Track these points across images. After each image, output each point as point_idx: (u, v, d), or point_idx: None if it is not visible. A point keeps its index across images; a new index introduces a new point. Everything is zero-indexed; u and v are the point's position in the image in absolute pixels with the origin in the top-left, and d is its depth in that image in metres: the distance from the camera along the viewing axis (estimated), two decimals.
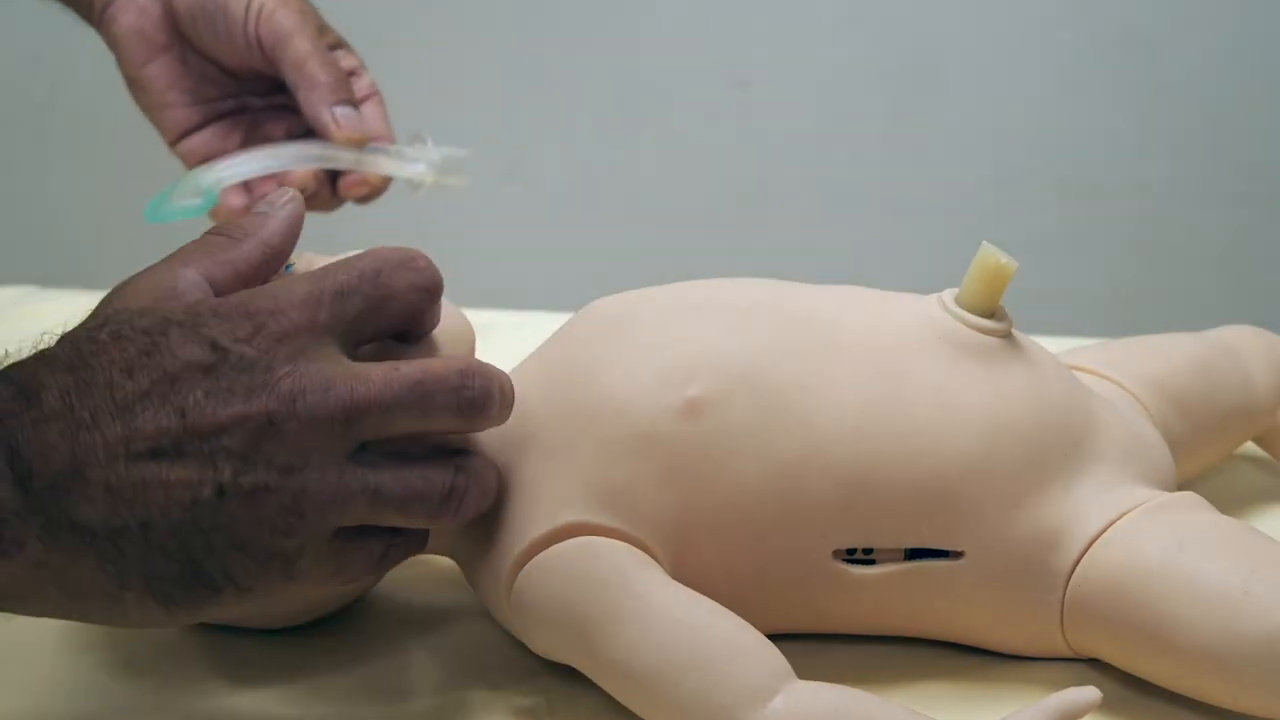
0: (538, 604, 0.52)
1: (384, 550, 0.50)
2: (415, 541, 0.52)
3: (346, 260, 0.50)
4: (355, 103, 0.79)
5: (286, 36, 0.79)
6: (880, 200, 1.84)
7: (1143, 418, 0.62)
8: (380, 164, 0.79)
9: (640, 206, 1.84)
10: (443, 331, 0.54)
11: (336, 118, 0.78)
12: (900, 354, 0.56)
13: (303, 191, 0.69)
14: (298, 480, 0.47)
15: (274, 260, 0.53)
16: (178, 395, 0.46)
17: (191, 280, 0.50)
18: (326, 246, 0.57)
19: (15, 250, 1.83)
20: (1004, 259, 0.56)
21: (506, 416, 0.51)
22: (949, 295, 0.58)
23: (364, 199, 0.81)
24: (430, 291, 0.51)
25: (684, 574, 0.53)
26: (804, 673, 0.50)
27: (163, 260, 0.52)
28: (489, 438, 0.55)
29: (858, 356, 0.55)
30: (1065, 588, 0.55)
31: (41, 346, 0.48)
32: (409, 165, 0.79)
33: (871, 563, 0.55)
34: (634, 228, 1.83)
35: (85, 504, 0.45)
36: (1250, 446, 0.74)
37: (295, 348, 0.47)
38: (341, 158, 0.78)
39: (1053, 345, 0.64)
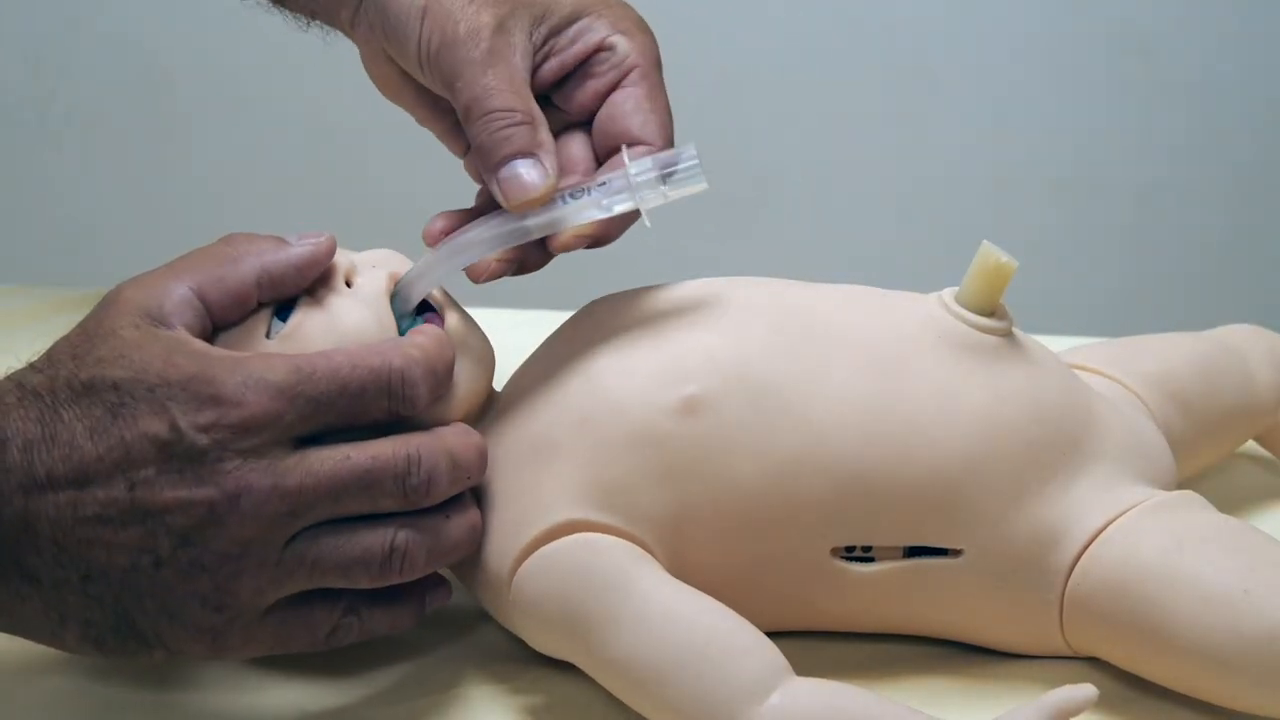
0: (537, 601, 0.53)
1: (331, 626, 0.52)
2: (375, 623, 0.53)
3: (335, 366, 0.50)
4: (534, 149, 0.56)
5: (453, 73, 0.58)
6: (880, 200, 1.84)
7: (1144, 416, 0.62)
8: (579, 214, 0.56)
9: None
10: (461, 368, 0.55)
11: (501, 186, 0.56)
12: (900, 352, 0.56)
13: (507, 268, 0.58)
14: (233, 566, 0.48)
15: (269, 289, 0.53)
16: (130, 467, 0.48)
17: (181, 298, 0.51)
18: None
19: (15, 250, 1.83)
20: (1004, 258, 0.56)
21: (468, 482, 0.53)
22: (949, 294, 0.58)
23: (590, 247, 0.59)
24: (401, 416, 0.52)
25: (683, 571, 0.53)
26: (803, 670, 0.50)
27: (163, 267, 0.53)
28: (489, 438, 0.55)
29: (857, 355, 0.55)
30: (1064, 586, 0.55)
31: (33, 360, 0.50)
32: (618, 200, 0.56)
33: (870, 560, 0.55)
34: (633, 227, 1.83)
35: (33, 555, 0.48)
36: (1251, 445, 0.74)
37: (249, 444, 0.48)
38: (530, 226, 0.56)
39: (1053, 344, 0.64)
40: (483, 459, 0.53)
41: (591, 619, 0.51)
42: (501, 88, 0.57)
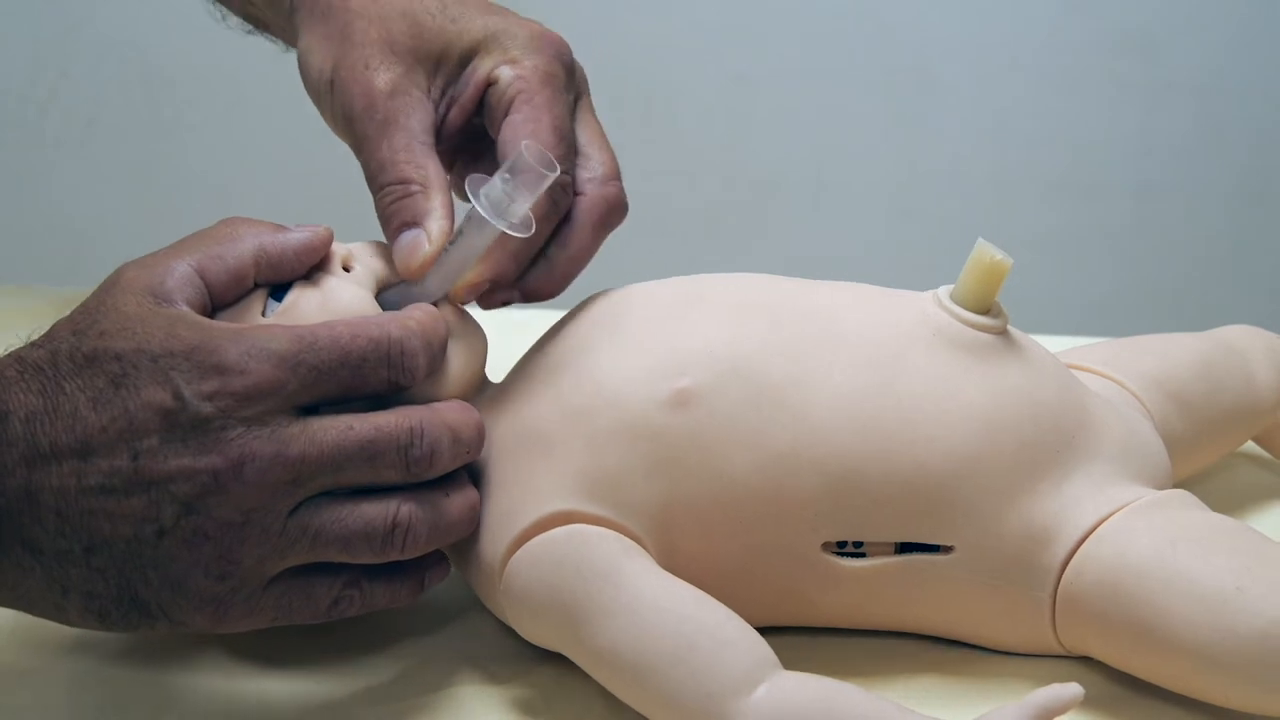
0: (527, 591, 0.53)
1: (332, 598, 0.52)
2: (375, 596, 0.53)
3: (337, 335, 0.51)
4: (419, 219, 0.57)
5: (357, 147, 0.60)
6: (879, 199, 1.85)
7: (1141, 416, 0.62)
8: (459, 260, 0.56)
9: (640, 206, 1.84)
10: (453, 362, 0.55)
11: (395, 258, 0.57)
12: (894, 349, 0.56)
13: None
14: (236, 534, 0.49)
15: (266, 269, 0.54)
16: (134, 436, 0.48)
17: (182, 274, 0.52)
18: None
19: (15, 250, 1.83)
20: (999, 255, 0.56)
21: (467, 457, 0.53)
22: (944, 291, 0.58)
23: (505, 291, 0.59)
24: (398, 386, 0.52)
25: (673, 563, 0.53)
26: (792, 665, 0.50)
27: (166, 248, 0.53)
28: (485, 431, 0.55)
29: (851, 351, 0.55)
30: (1056, 584, 0.55)
31: (33, 338, 0.50)
32: (485, 230, 0.55)
33: (862, 556, 0.55)
34: (634, 227, 1.83)
35: (36, 526, 0.47)
36: (1250, 445, 0.74)
37: (253, 412, 0.49)
38: (430, 288, 0.56)
39: (1052, 344, 0.64)
40: (481, 435, 0.54)
41: (581, 610, 0.51)
42: (395, 159, 0.58)
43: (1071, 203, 1.82)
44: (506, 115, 0.59)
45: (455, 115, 0.61)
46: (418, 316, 0.53)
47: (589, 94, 0.64)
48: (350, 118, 0.60)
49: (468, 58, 0.61)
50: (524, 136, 0.58)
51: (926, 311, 0.57)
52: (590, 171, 0.61)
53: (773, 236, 1.84)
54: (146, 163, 1.85)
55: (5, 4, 1.78)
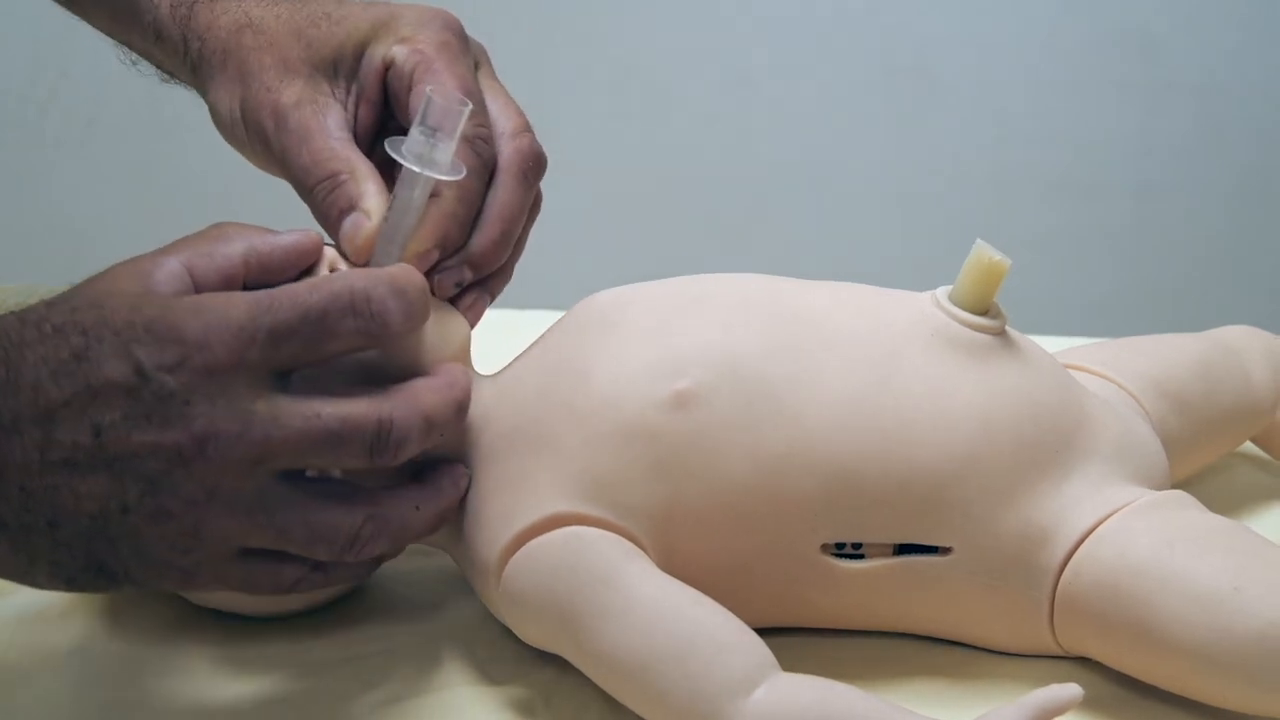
0: (526, 593, 0.53)
1: (296, 578, 0.52)
2: (338, 577, 0.53)
3: (295, 292, 0.50)
4: (354, 203, 0.57)
5: (281, 164, 0.61)
6: (879, 199, 1.85)
7: (1139, 417, 0.62)
8: (399, 224, 0.56)
9: (640, 205, 1.84)
10: (436, 334, 0.55)
11: (341, 246, 0.58)
12: (892, 350, 0.56)
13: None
14: (200, 512, 0.48)
15: (256, 270, 0.54)
16: (96, 412, 0.47)
17: (171, 269, 0.52)
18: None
19: (15, 250, 1.83)
20: (997, 256, 0.56)
21: (440, 439, 0.53)
22: (943, 292, 0.58)
23: (459, 258, 0.59)
24: (376, 337, 0.52)
25: (672, 565, 0.53)
26: (791, 666, 0.50)
27: (159, 248, 0.53)
28: (483, 428, 0.55)
29: (849, 352, 0.55)
30: (1055, 585, 0.55)
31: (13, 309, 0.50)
32: (417, 186, 0.55)
33: (860, 557, 0.55)
34: (634, 227, 1.83)
35: (1, 500, 0.47)
36: (1249, 445, 0.74)
37: (216, 386, 0.48)
38: (382, 263, 0.56)
39: (1051, 345, 0.64)
40: (461, 411, 0.53)
41: (579, 612, 0.51)
42: (317, 159, 0.59)
43: (1071, 203, 1.82)
44: (411, 90, 0.60)
45: (365, 113, 0.61)
46: (391, 269, 0.53)
47: (489, 63, 0.64)
48: (265, 139, 0.60)
49: (360, 51, 0.61)
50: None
51: (925, 312, 0.57)
52: (500, 128, 0.61)
53: (773, 236, 1.83)
54: (146, 163, 1.84)
55: (5, 4, 1.78)
